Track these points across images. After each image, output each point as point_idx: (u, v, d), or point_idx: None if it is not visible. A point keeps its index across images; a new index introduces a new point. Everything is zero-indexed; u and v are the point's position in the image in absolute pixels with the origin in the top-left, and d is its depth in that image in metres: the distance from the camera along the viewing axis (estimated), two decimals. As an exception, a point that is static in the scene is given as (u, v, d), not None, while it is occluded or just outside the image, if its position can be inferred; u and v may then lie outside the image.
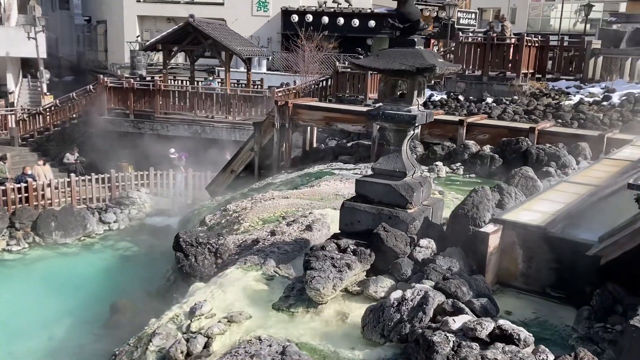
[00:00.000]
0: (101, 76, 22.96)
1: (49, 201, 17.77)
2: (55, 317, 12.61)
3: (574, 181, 7.24)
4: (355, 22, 31.22)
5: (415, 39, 5.51)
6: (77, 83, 43.15)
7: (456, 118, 12.69)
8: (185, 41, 22.03)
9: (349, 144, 14.73)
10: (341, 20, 31.95)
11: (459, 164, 11.53)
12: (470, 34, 33.61)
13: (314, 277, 4.66)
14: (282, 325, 4.67)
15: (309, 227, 7.06)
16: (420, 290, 4.38)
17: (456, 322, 3.96)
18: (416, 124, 5.50)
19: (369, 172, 11.99)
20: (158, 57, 31.87)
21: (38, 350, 11.39)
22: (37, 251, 16.11)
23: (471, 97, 17.38)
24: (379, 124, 5.85)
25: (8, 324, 12.41)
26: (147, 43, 23.24)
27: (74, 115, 23.21)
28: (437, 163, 11.49)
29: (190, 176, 20.04)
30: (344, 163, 13.39)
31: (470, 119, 11.97)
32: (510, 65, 17.14)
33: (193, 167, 20.16)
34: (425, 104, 17.49)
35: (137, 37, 28.81)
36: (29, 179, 17.59)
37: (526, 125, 12.18)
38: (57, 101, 23.37)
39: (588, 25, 34.99)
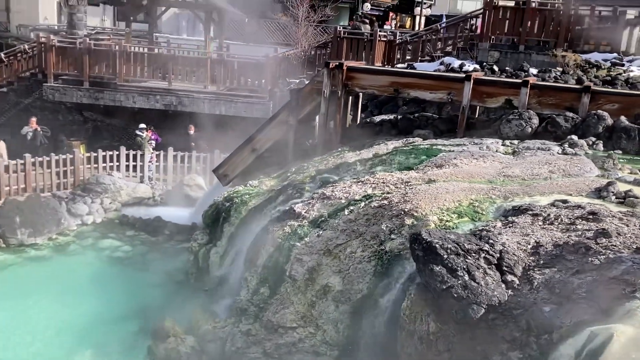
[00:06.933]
0: (40, 33, 18.50)
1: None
2: (71, 345, 9.17)
3: None
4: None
5: None
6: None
7: (576, 85, 10.78)
8: (155, -6, 18.28)
9: (411, 117, 12.38)
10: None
11: (594, 138, 9.62)
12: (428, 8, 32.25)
13: None
14: None
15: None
16: None
17: None
18: None
19: (495, 146, 9.80)
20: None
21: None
22: (-3, 256, 12.15)
23: (507, 68, 15.68)
24: None
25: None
26: (108, -7, 19.08)
27: (3, 82, 18.54)
28: (572, 137, 9.49)
29: (170, 156, 16.58)
30: (423, 139, 11.02)
31: (594, 86, 10.12)
32: (551, 33, 15.59)
33: (173, 147, 16.70)
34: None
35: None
36: (-28, 161, 13.41)
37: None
38: (-21, 64, 18.56)
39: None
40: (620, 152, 9.29)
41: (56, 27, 26.64)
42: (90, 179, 15.15)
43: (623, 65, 15.23)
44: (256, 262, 8.65)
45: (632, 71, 14.13)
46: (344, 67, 11.77)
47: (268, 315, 7.79)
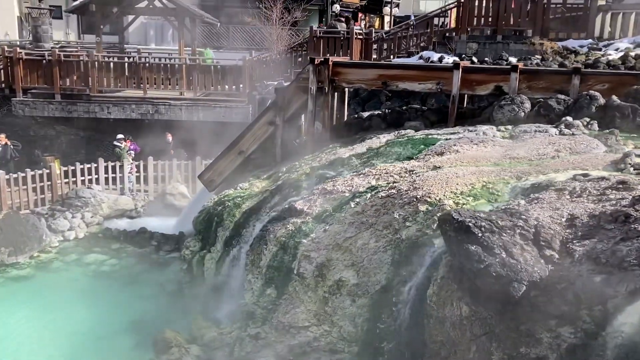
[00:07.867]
0: (5, 47, 17.84)
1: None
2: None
3: None
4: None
5: None
6: None
7: (564, 68, 10.77)
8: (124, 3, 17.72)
9: (401, 109, 12.25)
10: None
11: (587, 118, 9.61)
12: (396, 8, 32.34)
13: None
14: None
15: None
16: None
17: None
18: None
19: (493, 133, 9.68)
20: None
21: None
22: (-24, 278, 11.54)
23: (486, 59, 15.69)
24: None
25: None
26: (77, 2, 18.38)
27: (-32, 100, 17.83)
28: (567, 118, 9.47)
29: (150, 166, 16.11)
30: (415, 130, 10.88)
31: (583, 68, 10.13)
32: (528, 20, 15.69)
33: (153, 156, 16.23)
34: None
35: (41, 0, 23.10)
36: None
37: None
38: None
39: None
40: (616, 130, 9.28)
41: (18, 43, 25.82)
42: (70, 193, 14.61)
43: (600, 49, 15.39)
44: (259, 264, 8.36)
45: (610, 55, 14.28)
46: (330, 63, 11.58)
47: (277, 316, 7.52)
